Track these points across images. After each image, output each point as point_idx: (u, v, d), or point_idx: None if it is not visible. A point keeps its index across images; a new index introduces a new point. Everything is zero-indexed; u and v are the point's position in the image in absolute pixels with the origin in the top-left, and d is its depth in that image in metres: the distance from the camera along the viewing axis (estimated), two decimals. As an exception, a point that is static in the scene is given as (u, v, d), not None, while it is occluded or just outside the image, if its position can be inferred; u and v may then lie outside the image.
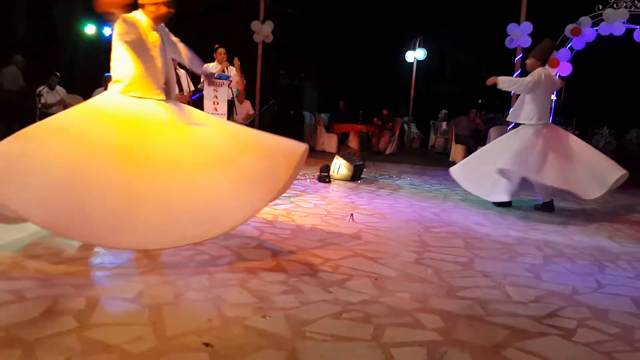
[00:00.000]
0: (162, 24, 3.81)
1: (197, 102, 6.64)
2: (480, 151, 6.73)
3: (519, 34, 10.22)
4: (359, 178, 8.03)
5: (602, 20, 9.88)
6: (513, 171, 5.75)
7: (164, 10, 3.69)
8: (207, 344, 2.21)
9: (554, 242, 4.58)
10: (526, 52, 7.47)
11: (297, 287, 2.99)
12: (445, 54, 20.51)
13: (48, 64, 11.51)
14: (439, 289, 3.15)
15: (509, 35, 10.53)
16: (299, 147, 3.78)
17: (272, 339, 2.31)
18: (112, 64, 3.66)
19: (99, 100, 3.67)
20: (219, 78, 6.66)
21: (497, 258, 3.96)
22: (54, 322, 2.33)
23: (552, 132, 6.06)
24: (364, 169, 8.47)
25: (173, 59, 4.08)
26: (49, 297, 2.59)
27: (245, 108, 9.54)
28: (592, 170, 5.84)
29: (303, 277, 3.18)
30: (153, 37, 3.70)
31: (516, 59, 10.28)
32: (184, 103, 6.29)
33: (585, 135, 13.33)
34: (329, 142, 13.23)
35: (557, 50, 10.44)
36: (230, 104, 7.08)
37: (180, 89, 6.70)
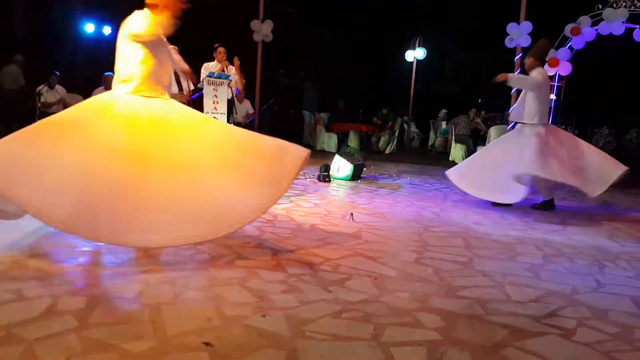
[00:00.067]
0: None
1: (197, 101, 6.63)
2: (482, 152, 6.66)
3: (519, 33, 10.21)
4: (359, 177, 8.03)
5: (602, 19, 9.88)
6: (538, 175, 5.70)
7: (178, 11, 3.69)
8: (207, 344, 2.21)
9: (554, 242, 4.58)
10: (526, 51, 7.46)
11: (297, 286, 2.99)
12: (445, 54, 20.51)
13: (48, 63, 11.51)
14: (438, 288, 3.15)
15: (508, 34, 10.53)
16: (302, 152, 3.79)
17: (272, 338, 2.31)
18: (120, 63, 3.62)
19: (108, 99, 3.60)
20: (219, 77, 6.66)
21: (496, 257, 3.96)
22: (54, 321, 2.34)
23: (554, 131, 6.13)
24: (364, 169, 8.47)
25: None
26: (49, 297, 2.59)
27: (245, 107, 9.54)
28: (595, 168, 5.88)
29: (303, 276, 3.18)
30: (164, 37, 3.75)
31: (516, 58, 10.27)
32: (184, 102, 6.31)
33: (585, 135, 13.32)
34: (329, 141, 13.23)
35: (557, 49, 10.45)
36: (230, 103, 7.08)
37: (180, 88, 6.70)
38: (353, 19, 18.12)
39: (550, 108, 8.29)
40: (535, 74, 5.94)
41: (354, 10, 17.56)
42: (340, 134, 13.48)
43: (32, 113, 10.32)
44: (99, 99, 3.65)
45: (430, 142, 15.69)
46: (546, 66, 9.79)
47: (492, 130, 11.40)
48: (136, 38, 3.56)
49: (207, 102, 6.45)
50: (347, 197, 6.40)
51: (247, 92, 9.65)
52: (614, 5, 9.79)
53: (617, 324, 2.76)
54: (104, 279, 2.98)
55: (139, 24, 3.55)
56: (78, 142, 3.29)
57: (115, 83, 3.67)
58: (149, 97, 3.64)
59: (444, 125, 14.95)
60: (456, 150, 12.23)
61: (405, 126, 15.74)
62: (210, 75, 6.66)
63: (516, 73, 7.20)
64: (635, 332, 2.68)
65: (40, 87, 10.28)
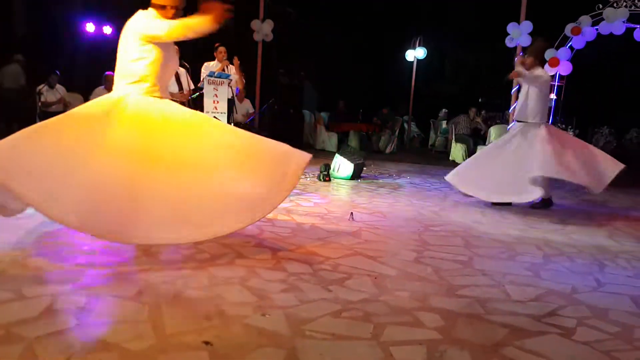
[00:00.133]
0: None
1: (197, 100, 6.63)
2: (485, 154, 6.45)
3: (519, 33, 10.21)
4: (359, 177, 8.03)
5: (602, 19, 9.88)
6: (554, 177, 5.71)
7: (180, 11, 3.70)
8: (206, 343, 2.21)
9: (554, 241, 4.58)
10: (526, 51, 7.45)
11: (296, 285, 3.00)
12: (445, 53, 20.50)
13: (48, 62, 11.51)
14: (438, 287, 3.15)
15: (509, 34, 10.53)
16: (305, 157, 3.80)
17: (271, 337, 2.31)
18: (131, 64, 3.58)
19: (122, 99, 3.54)
20: (219, 77, 6.66)
21: (496, 257, 3.96)
22: (54, 320, 2.34)
23: (555, 131, 6.16)
24: (364, 168, 8.47)
25: None
26: (49, 296, 2.59)
27: (245, 107, 9.55)
28: (595, 166, 5.91)
29: (303, 275, 3.18)
30: None
31: (516, 58, 10.27)
32: (184, 101, 6.31)
33: (585, 135, 13.33)
34: (329, 141, 13.23)
35: (558, 49, 10.45)
36: (230, 103, 7.08)
37: (180, 88, 6.70)
38: (353, 19, 18.12)
39: (550, 108, 8.28)
40: (542, 72, 5.96)
41: (354, 9, 17.56)
42: (340, 134, 13.47)
43: (32, 112, 10.33)
44: (112, 99, 3.57)
45: (430, 142, 15.69)
46: (547, 66, 9.79)
47: (493, 130, 11.40)
48: (154, 39, 3.56)
49: (207, 102, 6.44)
50: (347, 196, 6.40)
51: (248, 91, 9.65)
52: (615, 5, 9.78)
53: (617, 323, 2.76)
54: (103, 278, 2.98)
55: (157, 24, 3.54)
56: (91, 142, 3.29)
57: (123, 83, 3.59)
58: (159, 97, 3.67)
59: (444, 124, 14.94)
60: (456, 150, 12.23)
61: (406, 126, 15.74)
62: (211, 74, 6.66)
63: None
64: (635, 331, 2.68)
65: (40, 87, 10.28)
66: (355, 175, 7.88)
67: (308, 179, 7.47)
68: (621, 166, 5.95)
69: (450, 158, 12.25)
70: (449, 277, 3.37)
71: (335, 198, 6.18)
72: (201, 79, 7.01)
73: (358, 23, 18.30)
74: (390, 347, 2.29)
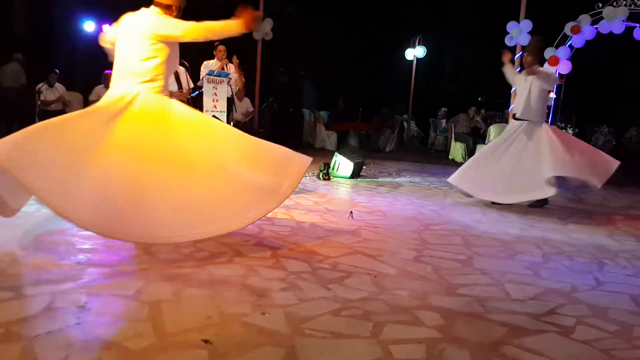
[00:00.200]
0: None
1: (196, 99, 6.62)
2: (488, 154, 6.24)
3: (519, 31, 10.21)
4: (359, 176, 8.03)
5: (602, 18, 9.87)
6: (569, 175, 5.72)
7: (181, 11, 3.75)
8: (206, 341, 2.21)
9: (553, 240, 4.58)
10: (524, 49, 7.44)
11: (296, 284, 3.00)
12: (445, 52, 20.48)
13: (47, 61, 11.50)
14: (438, 286, 3.16)
15: (508, 33, 10.52)
16: (306, 160, 3.85)
17: (271, 336, 2.32)
18: (144, 63, 3.57)
19: (139, 98, 3.53)
20: (219, 75, 6.65)
21: (496, 256, 3.96)
22: (53, 318, 2.34)
23: (554, 129, 6.16)
24: (364, 167, 8.47)
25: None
26: (48, 294, 2.59)
27: (244, 105, 9.54)
28: (593, 162, 5.94)
29: (302, 274, 3.18)
30: None
31: (516, 56, 10.28)
32: (183, 100, 6.31)
33: (584, 134, 13.33)
34: (329, 139, 13.22)
35: (557, 48, 10.45)
36: (230, 102, 7.07)
37: (180, 86, 6.69)
38: (353, 17, 18.10)
39: (550, 107, 8.26)
40: (551, 70, 5.98)
41: (354, 8, 17.55)
42: (339, 133, 13.47)
43: (31, 111, 10.32)
44: (124, 97, 3.53)
45: (429, 141, 15.69)
46: (546, 64, 9.79)
47: (492, 129, 11.38)
48: (170, 39, 3.60)
49: (206, 101, 6.44)
50: (347, 195, 6.40)
51: (247, 90, 9.64)
52: (614, 3, 9.78)
53: (616, 322, 2.77)
54: (103, 276, 2.98)
55: (174, 24, 3.58)
56: (101, 140, 3.30)
57: (132, 82, 3.56)
58: (168, 96, 3.72)
59: (443, 123, 14.95)
60: (456, 149, 12.23)
61: (405, 124, 15.74)
62: (210, 73, 6.65)
63: (519, 70, 7.12)
64: (635, 330, 2.68)
65: (39, 85, 10.28)
66: (355, 174, 7.88)
67: (308, 177, 7.47)
68: (617, 162, 6.00)
69: (450, 157, 12.25)
70: (449, 275, 3.37)
71: (334, 197, 6.18)
72: (200, 78, 7.00)
73: (358, 22, 18.28)
74: (390, 345, 2.29)
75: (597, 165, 5.92)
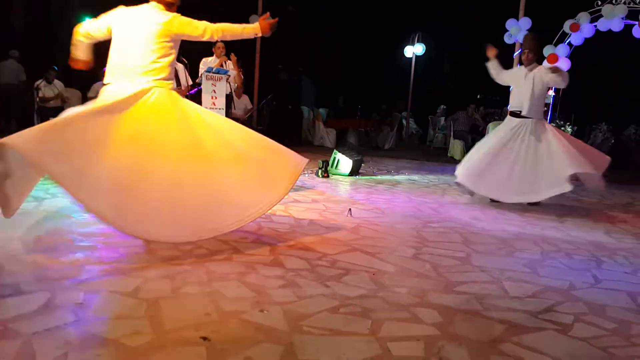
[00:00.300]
0: None
1: (195, 96, 6.62)
2: (494, 154, 5.97)
3: (518, 29, 10.21)
4: (358, 173, 8.03)
5: (601, 16, 9.88)
6: (584, 171, 5.71)
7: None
8: (204, 338, 2.21)
9: (552, 238, 4.58)
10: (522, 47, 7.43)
11: (294, 281, 3.00)
12: (444, 50, 20.47)
13: (45, 58, 11.48)
14: (436, 283, 3.16)
15: (507, 30, 10.52)
16: (303, 159, 3.91)
17: (269, 333, 2.32)
18: (159, 61, 3.60)
19: (157, 96, 3.57)
20: (218, 72, 6.64)
21: (494, 253, 3.96)
22: (51, 315, 2.34)
23: (551, 127, 6.19)
24: (363, 164, 8.47)
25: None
26: (47, 291, 2.59)
27: (243, 102, 9.53)
28: (593, 158, 5.97)
29: (301, 271, 3.18)
30: None
31: (515, 54, 10.28)
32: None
33: (583, 131, 13.33)
34: (328, 137, 13.22)
35: (556, 46, 10.45)
36: (228, 99, 7.06)
37: (178, 84, 6.68)
38: (352, 15, 18.08)
39: (548, 104, 8.27)
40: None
41: (353, 5, 17.53)
42: (338, 130, 13.47)
43: (30, 108, 10.31)
44: (139, 94, 3.54)
45: (428, 138, 15.69)
46: (545, 62, 9.79)
47: (491, 126, 11.37)
48: (190, 38, 3.70)
49: (205, 98, 6.42)
50: (346, 192, 6.40)
51: (246, 87, 9.63)
52: (613, 1, 9.78)
53: (614, 319, 2.77)
54: (101, 273, 2.98)
55: (195, 24, 3.66)
56: (122, 136, 3.32)
57: (145, 80, 3.57)
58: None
59: (442, 121, 14.95)
60: (455, 146, 12.24)
61: (404, 122, 15.74)
62: (209, 70, 6.64)
63: (514, 68, 7.08)
64: (632, 327, 2.68)
65: (38, 82, 10.27)
66: (354, 172, 7.88)
67: (306, 175, 7.47)
68: (608, 158, 6.10)
69: (449, 154, 12.26)
70: (447, 273, 3.37)
71: (333, 194, 6.18)
72: (199, 75, 6.99)
73: (357, 19, 18.27)
74: (388, 342, 2.30)
75: (596, 162, 5.96)
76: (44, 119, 8.54)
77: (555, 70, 5.92)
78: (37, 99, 10.17)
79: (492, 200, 6.11)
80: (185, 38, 3.72)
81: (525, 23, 10.23)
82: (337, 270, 3.26)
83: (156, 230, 3.21)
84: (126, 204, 3.13)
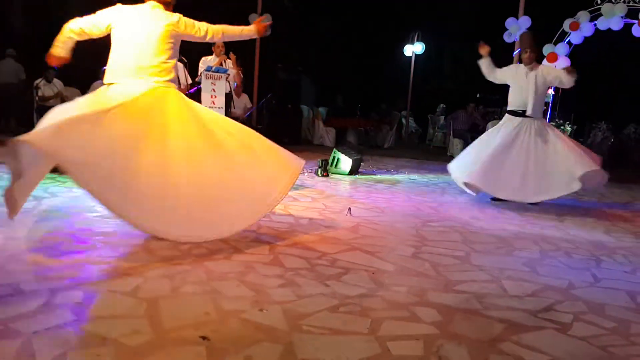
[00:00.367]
0: None
1: (194, 95, 6.61)
2: (499, 154, 5.90)
3: (518, 28, 10.21)
4: (357, 172, 8.03)
5: (601, 15, 9.87)
6: (592, 169, 5.76)
7: None
8: (204, 337, 2.21)
9: (551, 237, 4.58)
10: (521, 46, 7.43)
11: (294, 280, 3.00)
12: (444, 49, 20.47)
13: (45, 56, 11.45)
14: (436, 283, 3.16)
15: (507, 29, 10.52)
16: (301, 161, 3.97)
17: (268, 332, 2.32)
18: (168, 61, 3.66)
19: (168, 95, 3.63)
20: (217, 71, 6.64)
21: (494, 252, 3.96)
22: (51, 315, 2.34)
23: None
24: (362, 163, 8.48)
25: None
26: (46, 290, 2.59)
27: (242, 101, 9.52)
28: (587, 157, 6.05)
29: (300, 270, 3.18)
30: None
31: (514, 53, 10.28)
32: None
33: (583, 130, 13.33)
34: (327, 136, 13.22)
35: (556, 44, 10.44)
36: (228, 98, 7.06)
37: (178, 82, 6.67)
38: (352, 13, 18.07)
39: (548, 103, 8.26)
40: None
41: (352, 4, 17.52)
42: (338, 129, 13.47)
43: (29, 107, 10.30)
44: (156, 92, 3.58)
45: (428, 137, 15.69)
46: (544, 61, 9.79)
47: (491, 125, 11.39)
48: (194, 39, 3.78)
49: (205, 96, 6.42)
50: (345, 191, 6.40)
51: (246, 86, 9.63)
52: (613, 0, 9.78)
53: (613, 318, 2.77)
54: (101, 273, 2.98)
55: (197, 25, 3.74)
56: (142, 133, 3.36)
57: (154, 80, 3.60)
58: None
59: (442, 120, 14.95)
60: (454, 145, 12.25)
61: (404, 121, 15.74)
62: (208, 69, 6.64)
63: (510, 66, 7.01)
64: (632, 326, 2.68)
65: (37, 81, 10.26)
66: (353, 171, 7.88)
67: (306, 174, 7.47)
68: (600, 157, 6.14)
69: (448, 153, 12.26)
70: (447, 272, 3.37)
71: (333, 193, 6.18)
72: (199, 74, 6.98)
73: (356, 18, 18.26)
74: (388, 342, 2.30)
75: (595, 160, 6.01)
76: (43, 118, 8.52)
77: (570, 71, 5.93)
78: (37, 98, 10.16)
79: (493, 199, 6.11)
80: (188, 39, 3.78)
81: (524, 22, 10.23)
82: (336, 269, 3.26)
83: (191, 229, 3.32)
84: (170, 207, 3.24)
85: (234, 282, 2.91)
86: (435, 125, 15.31)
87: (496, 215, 5.45)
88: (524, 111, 5.97)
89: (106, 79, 3.66)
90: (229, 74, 7.00)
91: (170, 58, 3.68)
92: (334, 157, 7.89)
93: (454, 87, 19.41)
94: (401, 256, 3.67)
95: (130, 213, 3.15)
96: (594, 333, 2.57)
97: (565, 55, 10.35)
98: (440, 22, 18.04)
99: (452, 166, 6.40)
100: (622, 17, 9.66)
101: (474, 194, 6.11)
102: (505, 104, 6.40)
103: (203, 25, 3.77)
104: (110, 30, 3.66)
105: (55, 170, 3.37)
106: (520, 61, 6.35)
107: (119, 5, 3.71)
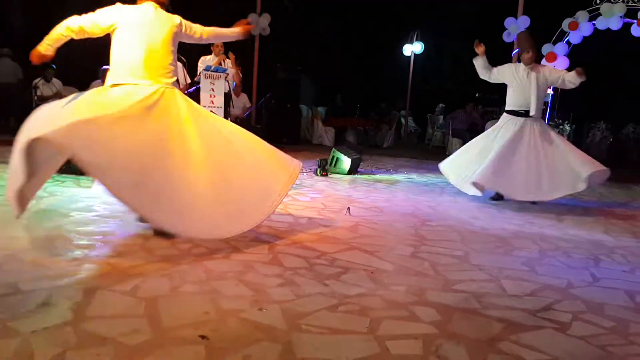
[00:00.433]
0: None
1: (193, 95, 6.61)
2: (503, 154, 5.84)
3: (517, 28, 10.21)
4: (356, 171, 8.03)
5: (600, 14, 9.88)
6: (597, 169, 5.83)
7: None
8: (203, 337, 2.21)
9: (550, 236, 4.59)
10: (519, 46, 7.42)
11: (293, 280, 3.00)
12: (443, 48, 20.46)
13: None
14: (435, 282, 3.16)
15: (506, 29, 10.52)
16: (298, 163, 4.03)
17: (268, 331, 2.32)
18: (172, 62, 3.71)
19: (176, 95, 3.66)
20: (216, 71, 6.64)
21: (493, 252, 3.97)
22: (49, 314, 2.33)
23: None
24: (361, 163, 8.48)
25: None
26: (45, 290, 2.59)
27: (242, 101, 9.52)
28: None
29: (299, 270, 3.18)
30: None
31: (513, 52, 10.28)
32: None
33: (581, 130, 13.34)
34: (326, 135, 13.21)
35: (555, 44, 10.45)
36: (227, 97, 7.06)
37: (177, 82, 6.67)
38: (351, 13, 18.07)
39: (547, 103, 8.26)
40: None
41: (352, 3, 17.52)
42: (337, 128, 13.47)
43: (28, 106, 10.28)
44: (166, 93, 3.60)
45: (427, 137, 15.70)
46: (544, 60, 9.79)
47: (489, 125, 11.39)
48: (193, 41, 3.86)
49: (204, 96, 6.42)
50: (344, 191, 6.40)
51: (245, 86, 9.63)
52: (612, 0, 9.78)
53: (612, 317, 2.77)
54: (100, 272, 2.98)
55: (196, 27, 3.83)
56: (159, 133, 3.40)
57: (166, 81, 3.63)
58: None
59: (441, 119, 14.95)
60: (453, 145, 12.25)
61: (403, 120, 15.75)
62: (208, 68, 6.64)
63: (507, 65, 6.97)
64: (631, 326, 2.69)
65: (36, 81, 10.24)
66: (353, 170, 7.88)
67: (305, 173, 7.46)
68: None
69: (447, 153, 12.23)
70: (446, 272, 3.37)
71: (332, 193, 6.18)
72: (198, 73, 6.98)
73: (356, 18, 18.26)
74: (387, 341, 2.30)
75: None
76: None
77: (580, 73, 5.93)
78: (36, 98, 10.14)
79: (492, 199, 6.12)
80: (186, 40, 3.84)
81: (523, 22, 10.23)
82: (335, 268, 3.26)
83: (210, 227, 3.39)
84: (187, 204, 3.28)
85: (233, 282, 2.91)
86: (435, 124, 15.31)
87: (495, 214, 5.45)
88: (526, 111, 5.96)
89: (112, 79, 3.59)
90: (228, 74, 6.99)
91: (175, 60, 3.73)
92: (333, 157, 7.89)
93: (453, 86, 19.41)
94: (400, 255, 3.68)
95: (161, 215, 3.23)
96: (593, 332, 2.57)
97: (564, 55, 10.36)
98: (439, 22, 18.02)
99: (445, 167, 6.45)
100: (621, 16, 9.67)
101: (480, 194, 5.94)
102: (503, 103, 6.39)
103: (198, 27, 3.87)
104: (112, 30, 3.61)
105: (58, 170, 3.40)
106: (519, 61, 6.33)
107: (118, 4, 3.68)
